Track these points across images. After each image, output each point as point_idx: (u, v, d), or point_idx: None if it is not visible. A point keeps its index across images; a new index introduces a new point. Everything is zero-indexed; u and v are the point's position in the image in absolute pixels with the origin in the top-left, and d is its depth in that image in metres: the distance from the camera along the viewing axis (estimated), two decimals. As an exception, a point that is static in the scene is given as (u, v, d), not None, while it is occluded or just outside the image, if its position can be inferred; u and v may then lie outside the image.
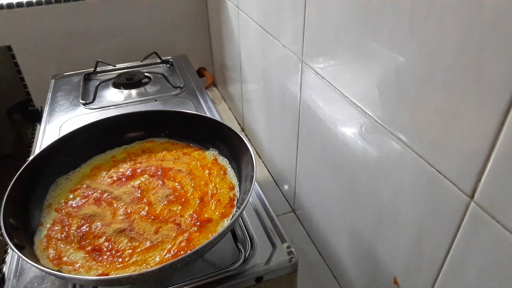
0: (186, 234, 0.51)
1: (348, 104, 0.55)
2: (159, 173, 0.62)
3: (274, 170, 0.98)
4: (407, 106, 0.44)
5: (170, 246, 0.50)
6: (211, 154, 0.66)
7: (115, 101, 0.95)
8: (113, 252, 0.49)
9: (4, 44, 1.12)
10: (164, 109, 0.85)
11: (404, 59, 0.42)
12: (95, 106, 0.93)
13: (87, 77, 1.08)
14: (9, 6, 1.08)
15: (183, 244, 0.50)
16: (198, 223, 0.53)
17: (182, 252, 0.49)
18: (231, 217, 0.54)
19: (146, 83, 1.02)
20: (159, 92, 0.98)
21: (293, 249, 0.54)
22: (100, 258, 0.49)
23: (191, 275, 0.52)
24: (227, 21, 1.09)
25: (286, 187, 0.92)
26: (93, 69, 1.09)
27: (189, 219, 0.54)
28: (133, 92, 0.98)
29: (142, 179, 0.61)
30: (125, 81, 1.00)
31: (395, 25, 0.43)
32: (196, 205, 0.56)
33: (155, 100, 0.94)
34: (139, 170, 0.63)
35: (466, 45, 0.34)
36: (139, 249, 0.50)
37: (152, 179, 0.61)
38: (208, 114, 0.86)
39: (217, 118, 0.76)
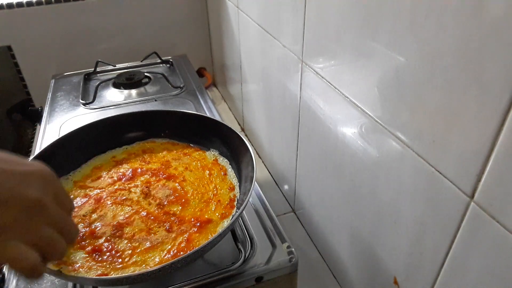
0: (186, 235, 0.51)
1: (348, 104, 0.55)
2: (161, 173, 0.62)
3: (274, 170, 0.98)
4: (407, 106, 0.44)
5: (170, 246, 0.50)
6: (211, 154, 0.66)
7: (115, 101, 0.95)
8: (113, 252, 0.49)
9: (4, 44, 1.12)
10: (164, 109, 0.85)
11: (404, 59, 0.42)
12: (95, 106, 0.93)
13: (87, 77, 1.08)
14: (9, 6, 1.08)
15: (182, 244, 0.50)
16: (198, 224, 0.53)
17: (181, 253, 0.49)
18: (231, 218, 0.54)
19: (146, 83, 1.02)
20: (159, 92, 0.98)
21: (293, 249, 0.54)
22: (100, 259, 0.49)
23: (191, 275, 0.52)
24: (227, 21, 1.09)
25: (286, 187, 0.92)
26: (93, 69, 1.09)
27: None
28: (133, 92, 0.98)
29: (142, 179, 0.61)
30: (125, 81, 1.00)
31: (395, 25, 0.43)
32: (196, 205, 0.56)
33: (155, 100, 0.94)
34: (139, 170, 0.63)
35: (466, 45, 0.34)
36: (139, 250, 0.50)
37: (152, 179, 0.61)
38: (208, 114, 0.86)
39: (217, 118, 0.76)
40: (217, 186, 0.59)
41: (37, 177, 0.35)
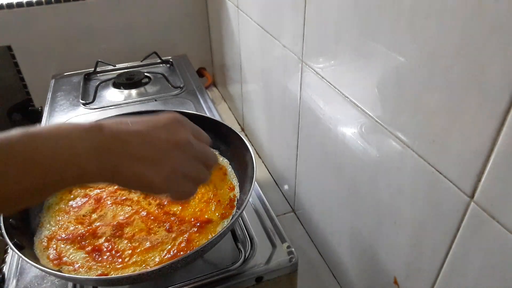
0: (186, 235, 0.51)
1: (348, 104, 0.55)
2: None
3: (274, 170, 0.98)
4: (407, 106, 0.43)
5: (169, 246, 0.50)
6: (211, 154, 0.66)
7: (115, 101, 0.95)
8: (113, 252, 0.49)
9: (4, 44, 1.12)
10: (164, 109, 0.85)
11: (404, 59, 0.42)
12: (95, 106, 0.93)
13: (87, 77, 1.08)
14: (9, 6, 1.08)
15: (182, 244, 0.50)
16: (198, 224, 0.53)
17: (181, 253, 0.49)
18: (231, 218, 0.54)
19: (146, 83, 1.02)
20: (159, 92, 0.98)
21: (293, 249, 0.54)
22: (100, 258, 0.49)
23: (191, 275, 0.52)
24: (227, 21, 1.09)
25: (286, 187, 0.92)
26: (93, 69, 1.09)
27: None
28: (133, 92, 0.98)
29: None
30: (125, 81, 1.00)
31: (395, 25, 0.43)
32: (196, 205, 0.56)
33: (155, 100, 0.94)
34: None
35: (466, 45, 0.34)
36: (138, 250, 0.50)
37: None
38: (208, 114, 0.86)
39: (217, 118, 0.76)
40: (217, 186, 0.59)
41: (176, 122, 0.42)
